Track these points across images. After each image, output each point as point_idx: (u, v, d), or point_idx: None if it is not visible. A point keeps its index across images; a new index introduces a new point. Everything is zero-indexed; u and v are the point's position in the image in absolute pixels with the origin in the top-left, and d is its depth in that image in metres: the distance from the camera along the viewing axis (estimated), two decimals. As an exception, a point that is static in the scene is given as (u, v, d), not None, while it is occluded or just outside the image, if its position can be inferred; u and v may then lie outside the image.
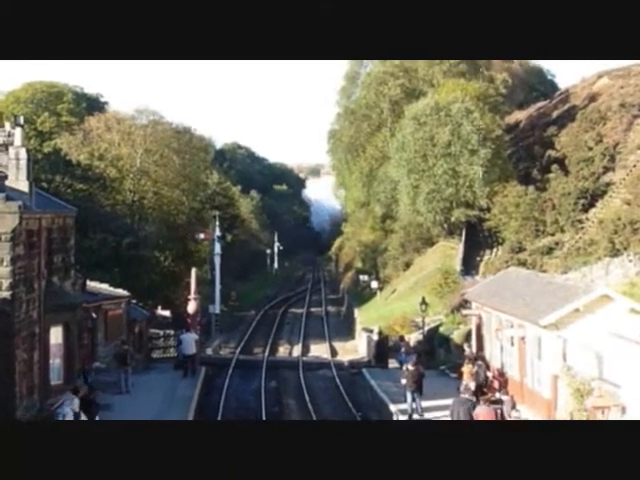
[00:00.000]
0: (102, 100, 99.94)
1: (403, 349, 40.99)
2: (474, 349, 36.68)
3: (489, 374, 32.44)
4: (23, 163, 27.78)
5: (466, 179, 66.45)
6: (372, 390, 38.25)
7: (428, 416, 30.27)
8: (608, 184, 62.98)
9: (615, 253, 50.11)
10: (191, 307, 46.71)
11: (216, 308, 68.46)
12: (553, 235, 60.17)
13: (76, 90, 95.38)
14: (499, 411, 26.39)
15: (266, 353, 54.26)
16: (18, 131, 29.02)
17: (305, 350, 58.49)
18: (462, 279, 56.64)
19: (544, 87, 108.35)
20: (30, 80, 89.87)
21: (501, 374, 32.69)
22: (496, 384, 31.40)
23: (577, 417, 24.37)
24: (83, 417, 27.08)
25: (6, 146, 29.02)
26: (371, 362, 48.00)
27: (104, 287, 40.49)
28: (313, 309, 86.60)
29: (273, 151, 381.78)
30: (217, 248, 72.22)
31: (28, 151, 28.65)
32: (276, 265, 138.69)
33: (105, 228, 55.37)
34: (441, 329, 47.30)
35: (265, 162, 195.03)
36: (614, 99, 73.23)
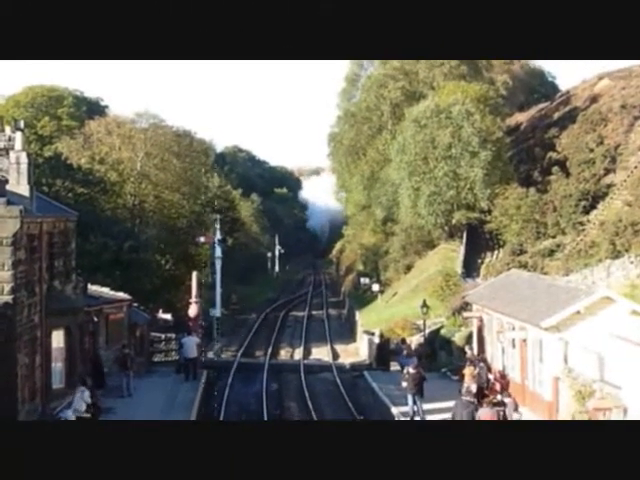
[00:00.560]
0: (102, 104, 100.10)
1: (405, 352, 41.06)
2: (475, 351, 36.70)
3: (490, 376, 32.46)
4: (24, 167, 27.84)
5: (467, 181, 66.51)
6: (373, 393, 38.28)
7: (429, 419, 30.30)
8: (609, 186, 63.00)
9: (616, 255, 50.12)
10: (192, 310, 46.76)
11: (217, 311, 68.32)
12: (554, 237, 60.18)
13: (76, 94, 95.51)
14: (501, 413, 26.42)
15: (267, 356, 54.30)
16: (18, 135, 29.10)
17: (306, 353, 58.53)
18: (463, 281, 56.68)
19: (545, 89, 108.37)
20: (30, 84, 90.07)
21: (502, 376, 32.72)
22: (497, 386, 31.42)
23: (578, 419, 24.40)
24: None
25: (7, 150, 29.10)
26: (372, 365, 48.03)
27: (105, 291, 40.54)
28: (314, 312, 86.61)
29: (274, 154, 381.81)
30: (218, 251, 72.08)
31: (29, 155, 28.73)
32: (277, 268, 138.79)
33: (106, 232, 55.41)
34: (442, 331, 47.33)
35: (266, 165, 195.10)
36: (615, 100, 73.27)
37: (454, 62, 78.64)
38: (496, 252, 65.68)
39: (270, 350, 57.81)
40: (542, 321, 27.67)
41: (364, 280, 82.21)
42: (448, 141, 66.70)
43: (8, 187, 27.43)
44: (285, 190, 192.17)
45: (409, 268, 75.48)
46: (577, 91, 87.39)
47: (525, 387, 30.57)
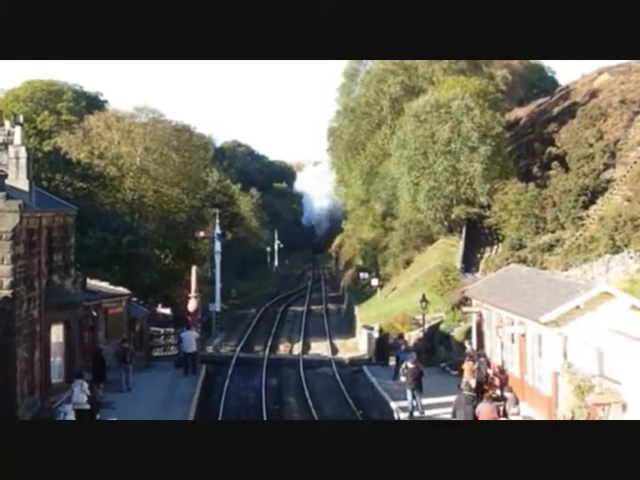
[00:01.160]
0: (102, 98, 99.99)
1: (403, 347, 41.07)
2: (475, 346, 36.73)
3: (490, 371, 32.47)
4: (23, 162, 27.82)
5: (466, 176, 66.51)
6: (373, 387, 38.31)
7: (429, 413, 30.33)
8: (609, 181, 63.01)
9: (616, 250, 50.14)
10: (191, 305, 46.77)
11: (216, 306, 68.47)
12: (553, 232, 60.19)
13: (76, 88, 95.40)
14: (501, 408, 26.44)
15: (267, 351, 54.30)
16: (18, 130, 29.05)
17: (306, 348, 58.54)
18: (462, 276, 56.69)
19: (544, 84, 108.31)
20: (30, 78, 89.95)
21: (502, 371, 32.74)
22: (497, 381, 31.44)
23: (578, 414, 24.42)
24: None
25: (6, 145, 29.05)
26: (372, 360, 48.05)
27: (104, 285, 40.54)
28: (313, 307, 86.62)
29: (273, 149, 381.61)
30: (217, 246, 72.22)
31: (28, 150, 28.70)
32: (276, 263, 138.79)
33: (105, 226, 55.38)
34: (441, 326, 47.36)
35: (265, 160, 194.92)
36: (615, 95, 73.24)
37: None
38: (495, 247, 65.71)
39: (269, 345, 57.81)
40: (541, 316, 27.67)
41: (363, 275, 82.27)
42: (448, 136, 66.69)
43: (7, 182, 27.40)
44: (284, 185, 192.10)
45: (408, 263, 75.49)
46: (576, 86, 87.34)
47: (524, 382, 30.58)
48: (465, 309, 41.96)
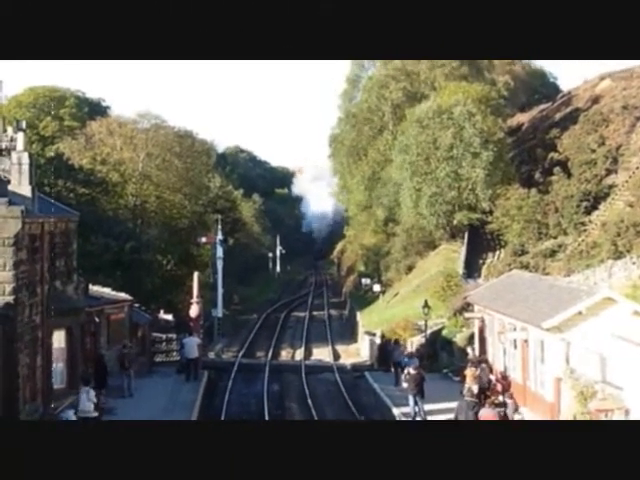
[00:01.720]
0: (104, 104, 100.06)
1: (396, 352, 41.07)
2: (477, 352, 36.69)
3: (492, 377, 32.44)
4: (25, 168, 27.81)
5: (468, 182, 66.52)
6: (375, 393, 38.27)
7: (431, 419, 30.28)
8: (611, 186, 62.99)
9: (618, 256, 50.10)
10: (193, 311, 46.73)
11: (218, 312, 68.39)
12: (556, 238, 60.16)
13: (78, 95, 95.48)
14: (503, 414, 26.40)
15: (269, 357, 54.32)
16: (20, 136, 29.06)
17: (307, 354, 58.54)
18: (465, 282, 56.65)
19: (546, 89, 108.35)
20: (32, 85, 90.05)
21: (504, 377, 32.69)
22: (499, 387, 31.40)
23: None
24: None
25: (8, 151, 29.06)
26: (374, 365, 48.02)
27: (106, 291, 40.53)
28: (315, 313, 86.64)
29: (275, 155, 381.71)
30: (219, 252, 72.14)
31: (30, 156, 28.69)
32: (278, 269, 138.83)
33: (107, 232, 55.40)
34: (444, 332, 47.31)
35: (267, 166, 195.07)
36: (617, 101, 73.25)
37: (455, 63, 78.64)
38: (497, 253, 65.67)
39: (271, 351, 57.82)
40: (544, 322, 27.64)
41: (365, 281, 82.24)
42: (450, 142, 66.71)
43: (10, 187, 27.41)
44: (286, 190, 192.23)
45: (410, 269, 75.46)
46: (578, 92, 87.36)
47: (527, 388, 30.53)
48: (467, 315, 41.93)
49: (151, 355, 45.64)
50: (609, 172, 64.44)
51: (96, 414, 28.38)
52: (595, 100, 77.88)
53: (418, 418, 30.63)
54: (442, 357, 45.30)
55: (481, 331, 37.53)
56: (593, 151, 65.85)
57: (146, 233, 64.83)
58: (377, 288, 73.82)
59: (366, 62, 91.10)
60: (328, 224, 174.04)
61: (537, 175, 69.73)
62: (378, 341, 49.89)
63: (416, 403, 31.10)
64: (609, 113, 71.16)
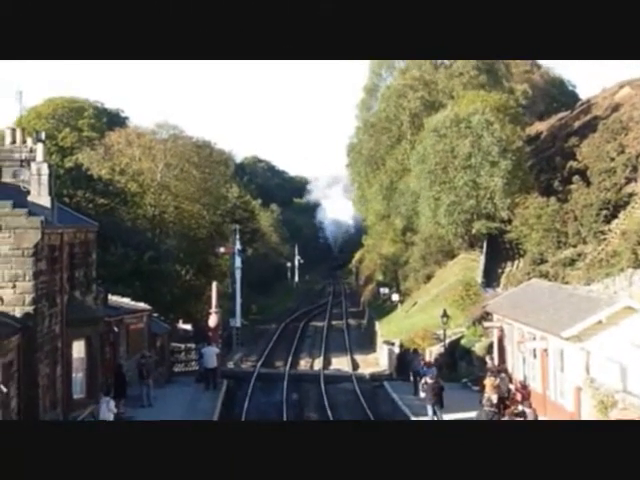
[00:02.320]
0: (123, 115, 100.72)
1: (415, 362, 41.04)
2: (496, 361, 36.56)
3: (511, 387, 32.33)
4: (45, 178, 28.03)
5: (487, 191, 66.39)
6: (393, 403, 38.21)
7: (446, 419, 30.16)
8: (630, 195, 62.67)
9: (638, 264, 49.78)
10: (212, 321, 46.84)
11: (237, 321, 68.63)
12: (575, 247, 59.90)
13: (97, 105, 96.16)
14: (522, 424, 26.28)
15: (287, 366, 54.31)
16: (40, 147, 29.33)
17: (326, 363, 58.47)
18: (483, 291, 56.50)
19: (565, 98, 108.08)
20: (51, 96, 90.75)
21: (524, 387, 32.57)
22: (519, 397, 31.28)
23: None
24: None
25: (28, 162, 29.33)
26: (392, 375, 47.95)
27: (126, 301, 40.71)
28: (334, 322, 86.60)
29: (293, 164, 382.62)
30: (238, 262, 72.46)
31: (50, 166, 28.91)
32: (297, 278, 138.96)
33: (126, 242, 55.65)
34: (463, 341, 47.17)
35: (285, 175, 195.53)
36: (636, 109, 72.94)
37: (473, 72, 78.63)
38: (516, 262, 65.45)
39: (290, 360, 57.81)
40: (563, 331, 27.54)
41: (384, 290, 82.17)
42: (468, 151, 66.62)
43: (29, 198, 27.64)
44: (305, 200, 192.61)
45: (429, 278, 75.31)
46: (597, 100, 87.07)
47: (546, 397, 30.41)
48: (486, 324, 41.80)
49: (170, 365, 45.79)
50: (629, 180, 64.11)
51: (116, 424, 28.51)
52: (614, 108, 77.60)
53: (437, 428, 30.54)
54: (461, 366, 45.17)
55: (500, 340, 37.41)
56: (612, 159, 65.56)
57: (165, 243, 65.07)
58: (395, 297, 73.73)
59: (384, 72, 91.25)
60: (346, 232, 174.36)
61: (556, 184, 69.47)
62: (397, 350, 49.83)
63: (435, 413, 31.04)
64: (628, 121, 70.86)
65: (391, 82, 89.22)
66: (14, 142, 30.72)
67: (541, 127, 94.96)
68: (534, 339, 31.60)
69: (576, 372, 27.22)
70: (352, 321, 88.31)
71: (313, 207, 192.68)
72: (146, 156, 68.80)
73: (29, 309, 25.33)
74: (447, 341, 45.81)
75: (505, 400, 30.60)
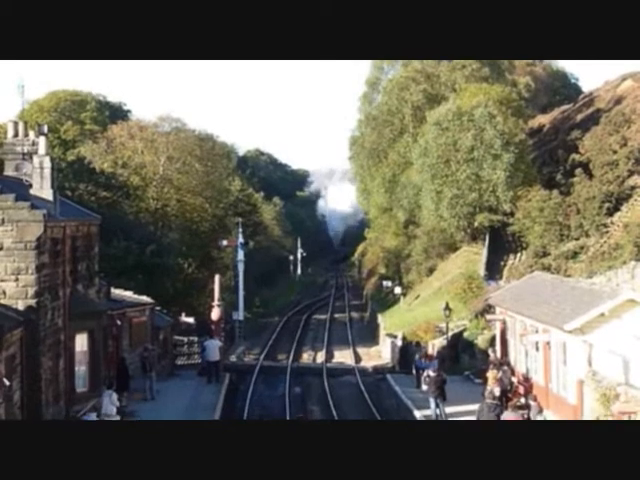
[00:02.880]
0: (125, 108, 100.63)
1: (417, 355, 41.07)
2: (498, 354, 36.55)
3: (514, 379, 32.32)
4: (47, 172, 28.00)
5: (489, 184, 66.24)
6: (396, 396, 38.21)
7: (452, 420, 30.19)
8: (633, 187, 62.53)
9: (641, 257, 49.74)
10: (215, 314, 46.88)
11: (240, 314, 68.63)
12: (578, 239, 59.79)
13: (99, 98, 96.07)
14: (526, 416, 26.29)
15: (290, 359, 54.32)
16: (42, 140, 29.29)
17: (329, 356, 58.49)
18: (486, 284, 56.44)
19: (567, 90, 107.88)
20: (53, 89, 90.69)
21: (526, 379, 32.57)
22: (521, 389, 31.28)
23: (603, 422, 24.20)
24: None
25: (30, 155, 29.31)
26: (395, 368, 47.95)
27: (128, 294, 40.71)
28: (337, 315, 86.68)
29: (295, 157, 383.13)
30: (240, 255, 72.44)
31: (52, 159, 28.88)
32: (299, 271, 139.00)
33: (129, 236, 55.64)
34: (465, 334, 47.16)
35: (287, 168, 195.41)
36: (639, 102, 72.74)
37: (476, 65, 78.41)
38: (519, 254, 65.37)
39: (292, 353, 57.81)
40: (566, 324, 27.51)
41: (386, 283, 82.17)
42: (470, 144, 66.48)
43: (32, 191, 27.63)
44: (307, 193, 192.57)
45: (431, 271, 75.30)
46: (600, 92, 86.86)
47: (549, 390, 30.39)
48: (489, 317, 41.79)
49: (173, 358, 45.81)
50: (631, 173, 63.94)
51: (118, 417, 28.60)
52: (617, 101, 77.41)
53: (440, 421, 30.56)
54: (463, 359, 45.17)
55: (503, 333, 37.39)
56: (615, 152, 65.39)
57: (167, 236, 65.07)
58: (398, 290, 73.72)
59: (386, 65, 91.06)
60: (348, 225, 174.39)
61: (558, 176, 69.33)
62: (399, 343, 49.83)
63: (437, 405, 31.03)
64: (631, 114, 70.65)
65: (393, 75, 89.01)
66: (16, 135, 30.69)
67: (544, 120, 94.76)
68: (537, 332, 31.57)
69: (578, 365, 27.20)
70: (355, 314, 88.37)
71: (315, 200, 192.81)
72: (148, 149, 68.74)
73: (32, 302, 25.33)
74: (450, 334, 45.79)
75: (507, 393, 30.59)
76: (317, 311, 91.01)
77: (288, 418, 34.03)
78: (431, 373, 31.77)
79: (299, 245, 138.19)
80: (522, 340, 33.61)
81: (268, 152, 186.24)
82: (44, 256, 26.21)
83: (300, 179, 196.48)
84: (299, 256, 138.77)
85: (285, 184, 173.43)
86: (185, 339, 47.80)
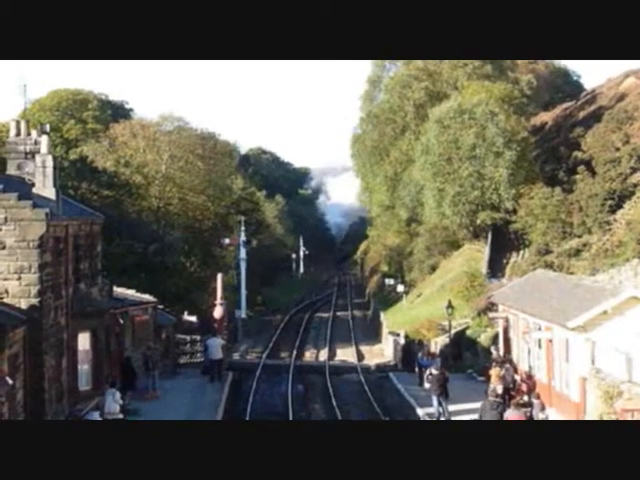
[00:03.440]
0: (127, 107, 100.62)
1: (420, 353, 41.09)
2: (501, 352, 36.55)
3: (517, 377, 32.29)
4: (49, 170, 28.02)
5: (491, 181, 66.22)
6: (399, 394, 38.22)
7: (455, 420, 30.18)
8: (635, 185, 62.44)
9: (643, 254, 49.70)
10: (217, 312, 46.87)
11: (242, 313, 68.75)
12: (580, 237, 59.77)
13: (101, 97, 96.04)
14: (529, 414, 26.28)
15: (292, 357, 54.35)
16: (44, 139, 29.30)
17: (332, 354, 58.53)
18: (488, 282, 56.44)
19: (570, 88, 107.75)
20: (56, 88, 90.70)
21: (529, 377, 32.55)
22: (524, 387, 31.25)
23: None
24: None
25: (33, 154, 29.33)
26: (398, 366, 47.96)
27: (131, 293, 40.71)
28: (339, 313, 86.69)
29: (298, 155, 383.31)
30: (242, 253, 72.56)
31: (54, 158, 28.89)
32: (302, 270, 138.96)
33: (131, 234, 55.69)
34: (468, 332, 47.18)
35: (290, 167, 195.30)
36: (641, 99, 72.67)
37: (478, 62, 78.30)
38: (521, 252, 65.35)
39: (295, 351, 57.85)
40: (569, 321, 27.50)
41: (389, 281, 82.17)
42: (472, 141, 66.45)
43: (34, 190, 27.66)
44: (309, 191, 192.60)
45: (434, 269, 75.34)
46: (602, 90, 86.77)
47: (552, 388, 30.39)
48: (491, 315, 41.79)
49: (175, 356, 45.82)
50: (634, 170, 63.85)
51: (121, 416, 28.62)
52: (619, 98, 77.33)
53: (442, 418, 30.57)
54: (466, 357, 45.18)
55: (505, 331, 37.38)
56: (617, 149, 65.31)
57: (170, 235, 65.11)
58: (401, 288, 73.73)
59: (387, 63, 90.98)
60: (350, 223, 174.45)
61: (561, 174, 69.27)
62: (402, 341, 49.83)
63: (440, 404, 31.03)
64: (633, 111, 70.57)
65: (395, 73, 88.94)
66: (19, 134, 30.68)
67: (546, 117, 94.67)
68: (539, 329, 31.55)
69: (581, 362, 27.19)
70: (357, 312, 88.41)
71: (317, 197, 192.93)
72: (150, 148, 68.74)
73: (34, 301, 25.35)
74: (452, 332, 45.80)
75: (510, 390, 30.58)
76: (320, 309, 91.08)
77: (291, 415, 34.08)
78: (434, 371, 31.76)
79: (301, 243, 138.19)
80: (525, 338, 33.61)
81: (270, 150, 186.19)
82: (47, 255, 26.23)
83: (301, 177, 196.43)
84: (301, 254, 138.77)
85: (287, 182, 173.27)
86: (188, 337, 47.79)
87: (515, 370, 33.13)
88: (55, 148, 52.61)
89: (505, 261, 65.27)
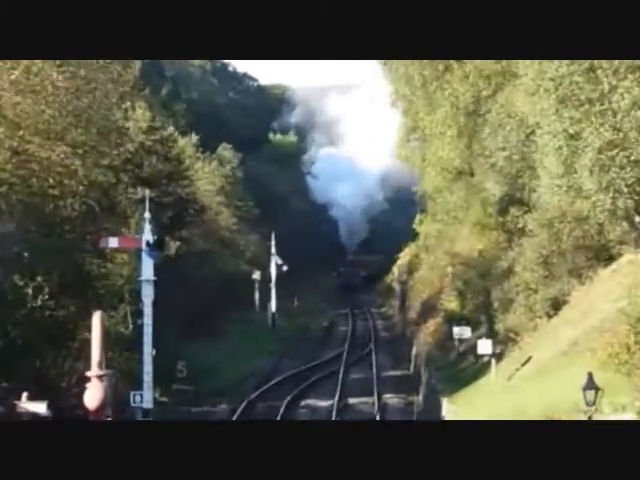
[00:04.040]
0: None
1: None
2: None
3: None
4: None
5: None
6: None
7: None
8: None
9: None
10: (92, 395, 46.81)
11: (146, 399, 68.51)
12: None
13: None
14: None
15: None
16: None
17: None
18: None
19: None
20: None
21: None
22: None
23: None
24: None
25: None
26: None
27: None
28: (353, 400, 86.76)
29: (267, 67, 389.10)
30: (147, 268, 72.15)
31: None
32: (273, 305, 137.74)
33: None
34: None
35: (251, 86, 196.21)
36: None
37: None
38: None
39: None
40: None
41: (460, 330, 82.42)
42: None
43: None
44: (292, 138, 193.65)
45: (557, 304, 75.42)
46: None
47: None
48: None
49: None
50: None
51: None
52: None
53: None
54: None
55: None
56: None
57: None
58: (486, 347, 73.75)
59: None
60: (376, 209, 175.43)
61: None
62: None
63: None
64: None
65: None
66: None
67: None
68: None
69: None
70: (392, 398, 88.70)
71: (305, 149, 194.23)
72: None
73: None
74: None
75: None
76: (311, 392, 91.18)
77: None
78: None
79: (273, 249, 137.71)
80: None
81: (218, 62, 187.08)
82: None
83: (275, 106, 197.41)
84: (273, 273, 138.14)
85: (244, 117, 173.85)
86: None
87: None
88: None
89: None
